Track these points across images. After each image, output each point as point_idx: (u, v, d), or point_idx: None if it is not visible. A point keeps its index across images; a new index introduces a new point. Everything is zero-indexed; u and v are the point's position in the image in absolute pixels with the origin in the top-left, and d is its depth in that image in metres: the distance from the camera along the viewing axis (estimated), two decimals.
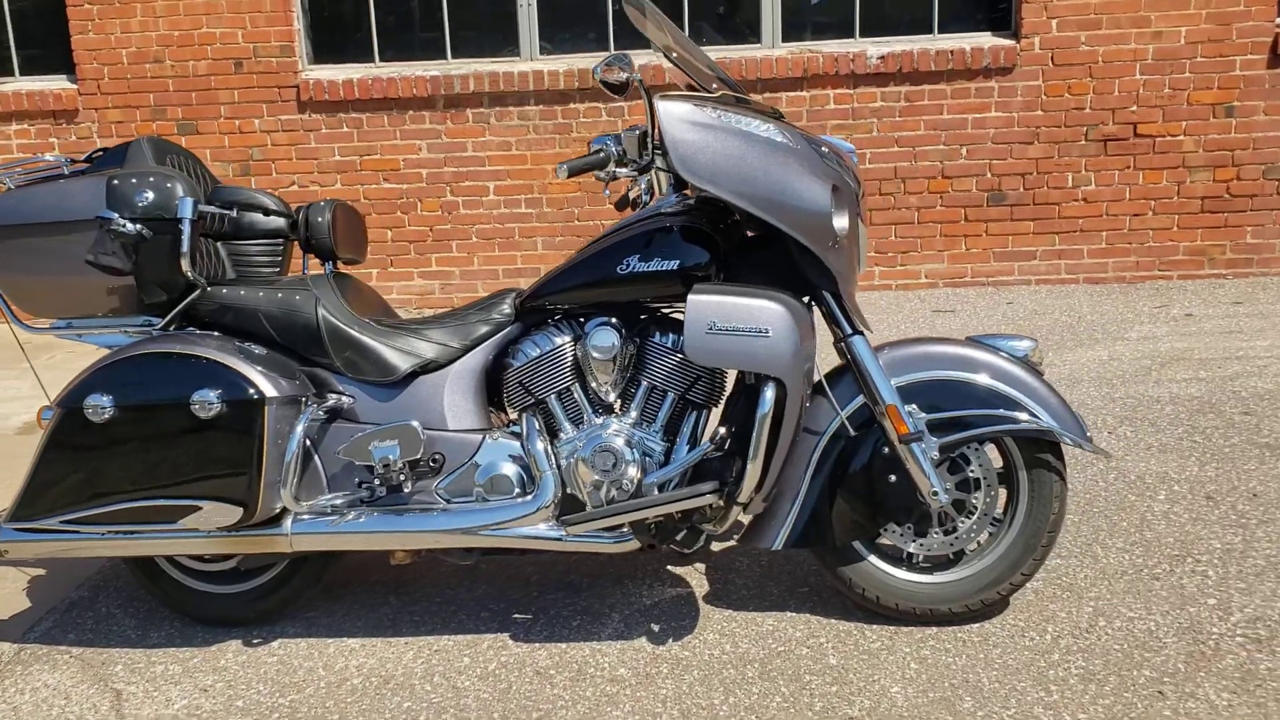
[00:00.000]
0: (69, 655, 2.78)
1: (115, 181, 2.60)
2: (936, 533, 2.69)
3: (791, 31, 6.01)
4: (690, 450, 2.61)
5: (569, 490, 2.63)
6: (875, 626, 2.71)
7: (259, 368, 2.57)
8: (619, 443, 2.59)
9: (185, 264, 2.58)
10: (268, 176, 6.16)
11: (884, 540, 2.72)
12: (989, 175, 5.93)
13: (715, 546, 3.15)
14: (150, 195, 2.58)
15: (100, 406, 2.53)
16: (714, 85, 2.60)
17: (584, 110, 5.98)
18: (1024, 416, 2.58)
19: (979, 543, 2.73)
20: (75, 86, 6.16)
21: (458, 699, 2.51)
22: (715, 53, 5.91)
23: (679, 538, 2.66)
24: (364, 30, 6.12)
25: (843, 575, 2.71)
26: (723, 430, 2.58)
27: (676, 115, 2.45)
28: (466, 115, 6.03)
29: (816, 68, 5.85)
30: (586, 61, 5.95)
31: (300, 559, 2.80)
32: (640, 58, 5.93)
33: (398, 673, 2.63)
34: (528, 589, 2.99)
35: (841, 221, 2.53)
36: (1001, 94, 5.84)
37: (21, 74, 6.30)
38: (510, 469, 2.67)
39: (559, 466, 2.63)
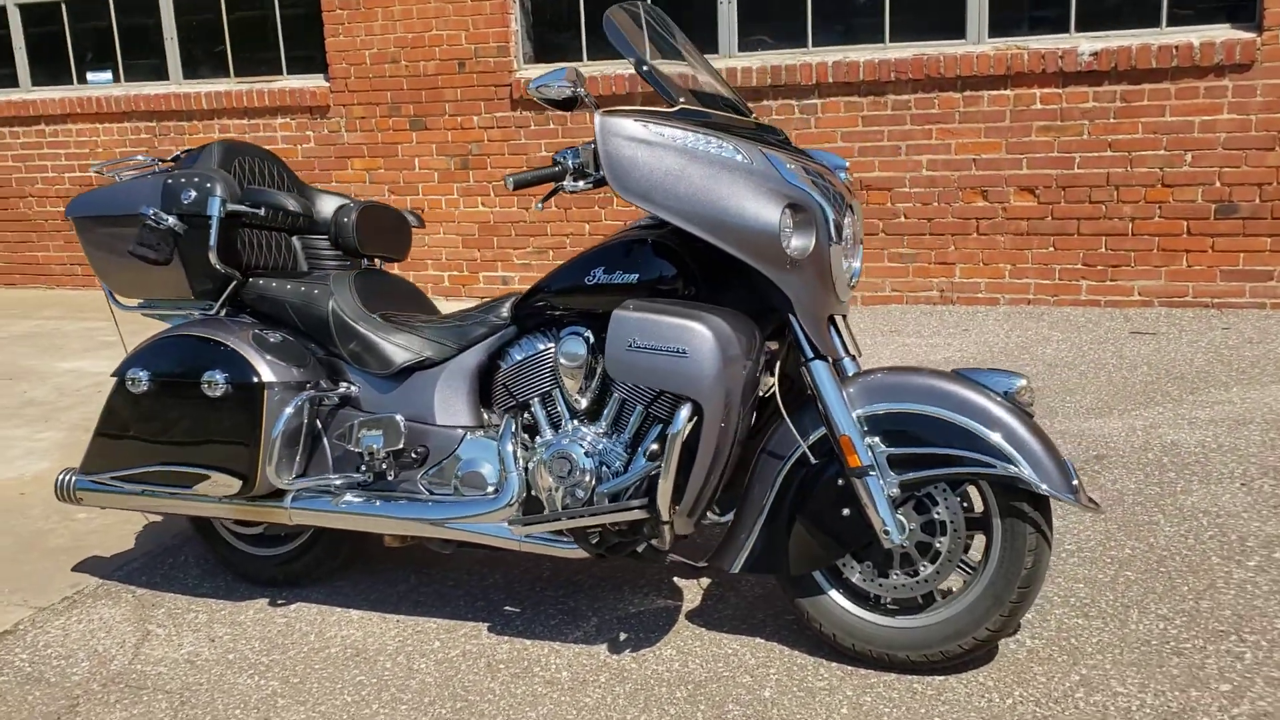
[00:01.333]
0: (132, 595, 3.17)
1: (169, 181, 2.93)
2: (897, 574, 2.53)
3: (1000, 27, 5.65)
4: (647, 463, 2.60)
5: (534, 493, 2.70)
6: (834, 666, 2.59)
7: (267, 355, 2.82)
8: (577, 451, 2.62)
9: (213, 257, 2.87)
10: (483, 170, 6.56)
11: (848, 576, 2.59)
12: (1218, 184, 5.33)
13: None
14: (192, 194, 2.88)
15: (138, 379, 2.87)
16: (681, 99, 2.56)
17: (776, 108, 5.92)
18: (990, 459, 2.38)
19: (953, 589, 2.55)
20: (328, 85, 6.82)
21: (406, 679, 2.65)
22: (913, 49, 5.68)
23: (640, 550, 2.66)
24: (574, 31, 6.36)
25: (801, 607, 2.61)
26: (655, 446, 2.55)
27: (612, 131, 2.44)
28: None
29: (1021, 65, 5.47)
30: (780, 58, 5.89)
31: (321, 532, 3.04)
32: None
33: (371, 647, 2.81)
34: (534, 584, 3.09)
35: (800, 241, 2.44)
36: (1237, 94, 5.22)
37: (288, 73, 7.05)
38: (487, 467, 2.77)
39: (526, 469, 2.71)
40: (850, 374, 2.60)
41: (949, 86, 5.62)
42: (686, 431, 2.41)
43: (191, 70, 7.27)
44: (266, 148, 6.52)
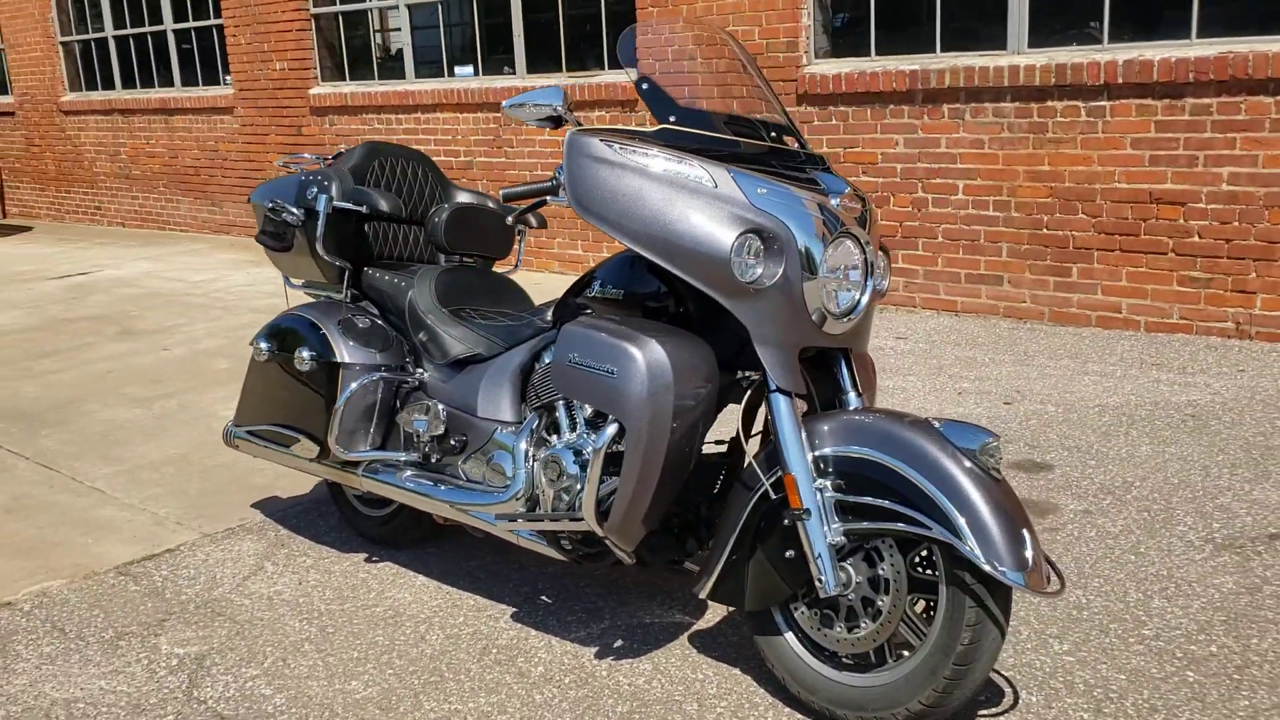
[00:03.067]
0: (275, 534, 3.65)
1: (302, 178, 3.33)
2: (840, 626, 2.38)
3: None
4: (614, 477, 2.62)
5: (536, 491, 2.81)
6: (788, 712, 2.48)
7: (350, 339, 3.14)
8: (567, 456, 2.69)
9: (318, 246, 3.23)
10: None
11: (798, 621, 2.47)
12: None
13: None
14: (313, 190, 3.26)
15: (260, 349, 3.31)
16: (672, 118, 2.53)
17: (1062, 109, 5.44)
18: (928, 521, 2.18)
19: (903, 652, 2.35)
20: None
21: (411, 647, 2.88)
22: (1219, 47, 5.00)
23: (620, 561, 2.69)
24: (864, 25, 6.20)
25: (759, 644, 2.53)
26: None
27: (577, 150, 2.48)
28: (942, 110, 5.84)
29: None
30: (1069, 55, 5.39)
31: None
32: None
33: (407, 613, 3.06)
34: (581, 580, 3.19)
35: (761, 269, 2.35)
36: None
37: (609, 68, 7.46)
38: (509, 462, 2.91)
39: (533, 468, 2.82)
40: (848, 411, 2.47)
41: (1259, 89, 4.87)
42: (605, 449, 2.43)
43: (534, 65, 7.90)
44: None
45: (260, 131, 10.10)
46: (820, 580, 2.31)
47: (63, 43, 12.38)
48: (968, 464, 2.21)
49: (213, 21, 10.45)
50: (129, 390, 5.47)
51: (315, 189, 3.27)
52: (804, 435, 2.38)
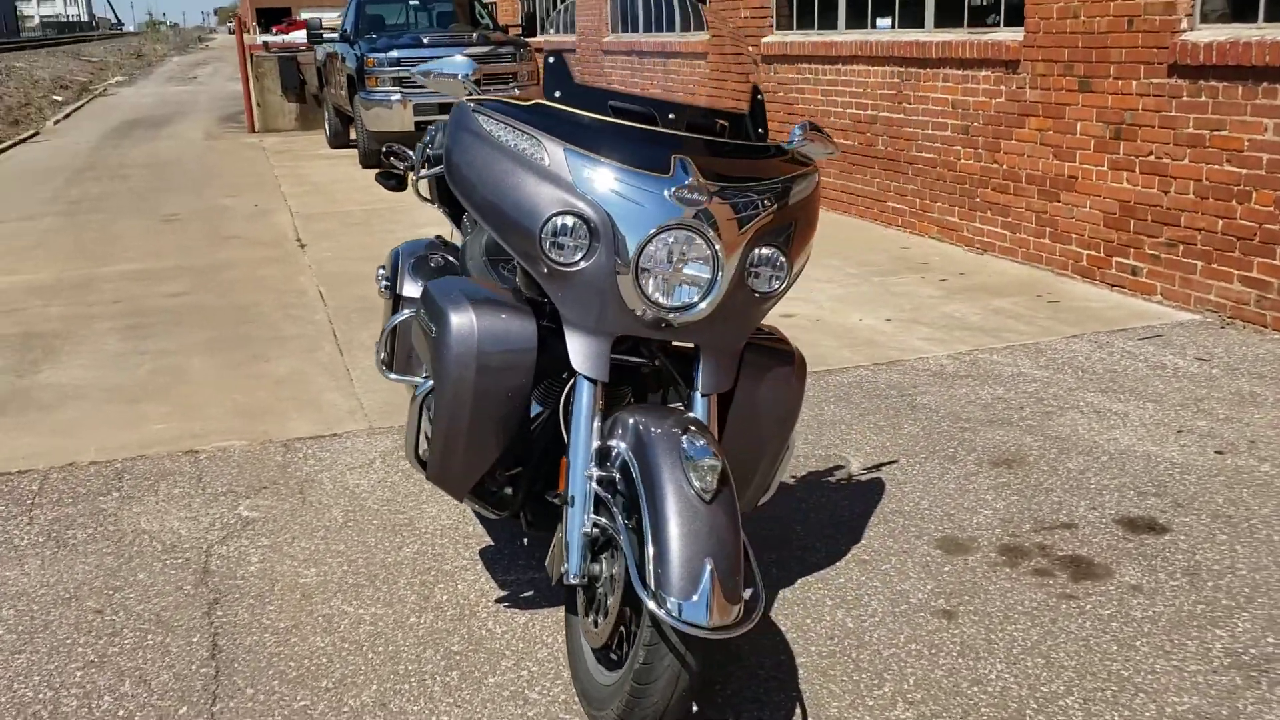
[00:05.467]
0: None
1: (432, 128, 3.72)
2: (590, 617, 2.35)
3: None
4: None
5: None
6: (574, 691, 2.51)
7: (417, 276, 3.50)
8: None
9: (417, 190, 3.61)
10: (1133, 142, 5.79)
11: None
12: None
13: None
14: (426, 139, 3.65)
15: (378, 275, 3.79)
16: (558, 93, 2.53)
17: None
18: (619, 527, 2.11)
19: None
20: (1022, 39, 6.56)
21: (386, 553, 3.24)
22: None
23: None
24: None
25: (566, 620, 2.55)
26: None
27: (454, 118, 2.57)
28: None
29: None
30: None
31: None
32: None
33: (415, 525, 3.41)
34: None
35: (573, 253, 2.33)
36: None
37: (1006, 26, 6.91)
38: None
39: None
40: (692, 409, 2.41)
41: None
42: (421, 400, 2.57)
43: (942, 20, 7.52)
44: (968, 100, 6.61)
45: (720, 77, 10.61)
46: (564, 567, 2.31)
47: None
48: (685, 484, 2.08)
49: None
50: None
51: (428, 137, 3.65)
52: (596, 424, 2.35)
